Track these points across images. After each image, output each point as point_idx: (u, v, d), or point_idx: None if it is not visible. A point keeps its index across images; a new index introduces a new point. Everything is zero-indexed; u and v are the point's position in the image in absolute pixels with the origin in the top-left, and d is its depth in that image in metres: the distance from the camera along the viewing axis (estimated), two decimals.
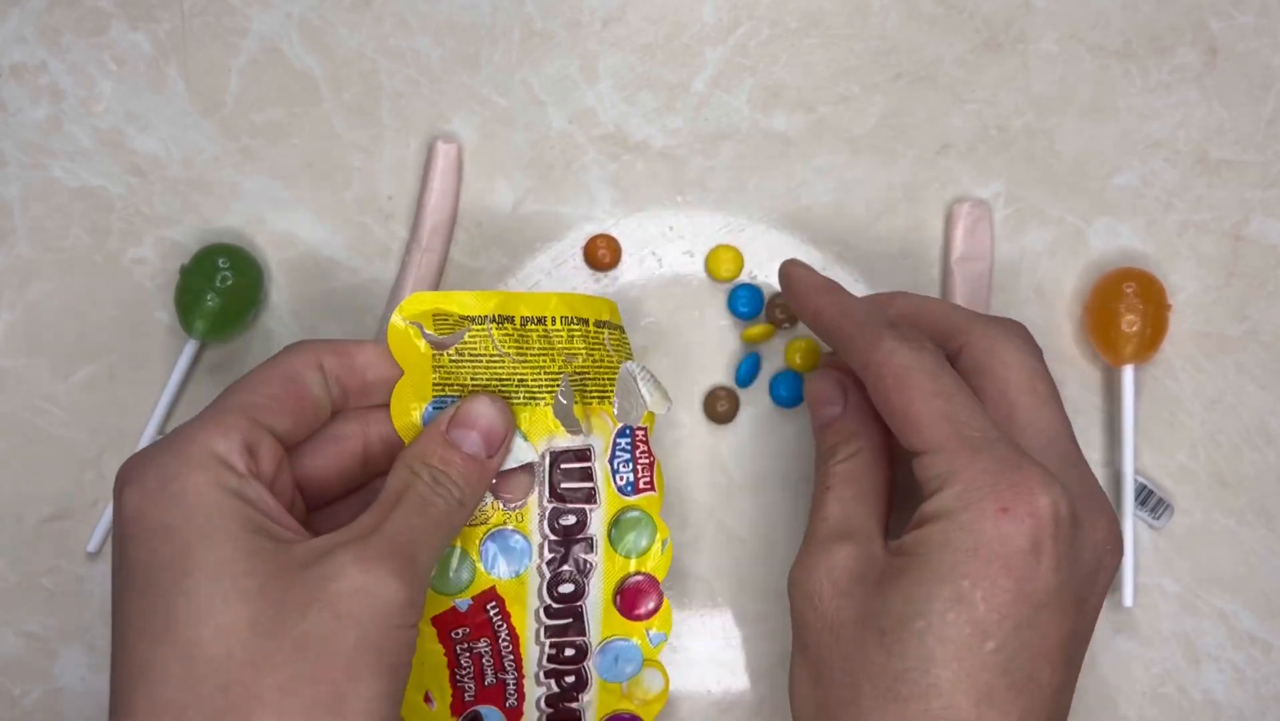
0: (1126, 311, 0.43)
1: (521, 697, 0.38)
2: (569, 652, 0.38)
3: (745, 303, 0.44)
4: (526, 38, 0.46)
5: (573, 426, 0.37)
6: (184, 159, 0.45)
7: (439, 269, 0.44)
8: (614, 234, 0.45)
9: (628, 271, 0.45)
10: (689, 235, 0.45)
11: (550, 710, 0.38)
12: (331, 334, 0.45)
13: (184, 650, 0.29)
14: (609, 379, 0.38)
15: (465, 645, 0.38)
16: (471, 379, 0.36)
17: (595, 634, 0.38)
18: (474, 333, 0.36)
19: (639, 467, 0.38)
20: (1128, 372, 0.44)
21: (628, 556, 0.38)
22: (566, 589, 0.38)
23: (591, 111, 0.45)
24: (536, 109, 0.45)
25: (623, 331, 0.40)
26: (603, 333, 0.39)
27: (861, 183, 0.46)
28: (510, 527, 0.37)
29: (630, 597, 0.38)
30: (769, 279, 0.45)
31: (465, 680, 0.38)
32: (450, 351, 0.36)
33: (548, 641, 0.38)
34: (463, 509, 0.34)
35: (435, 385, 0.36)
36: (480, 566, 0.37)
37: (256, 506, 0.31)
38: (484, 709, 0.38)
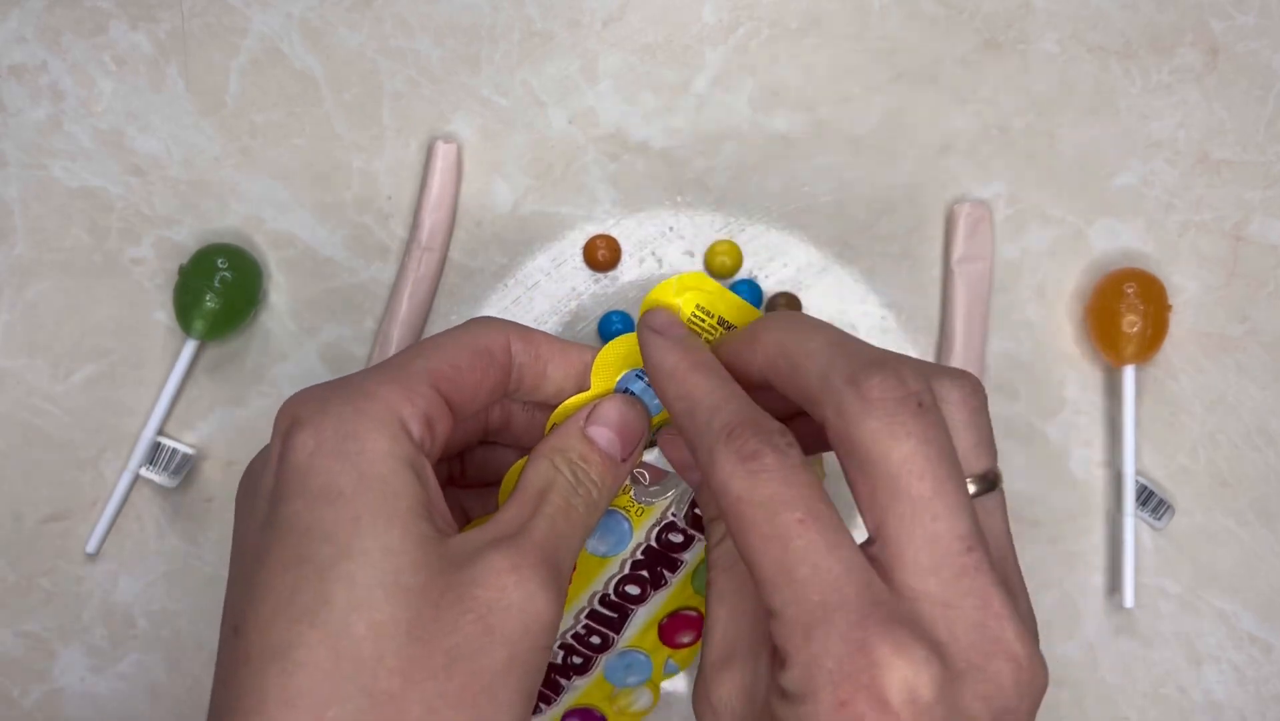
0: (1127, 312, 0.43)
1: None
2: (594, 640, 0.37)
3: (746, 292, 0.44)
4: (526, 38, 0.45)
5: None
6: (184, 159, 0.45)
7: (439, 269, 0.44)
8: (614, 234, 0.45)
9: (627, 271, 0.45)
10: (689, 235, 0.45)
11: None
12: (331, 334, 0.45)
13: (333, 641, 0.26)
14: None
15: None
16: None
17: (626, 637, 0.37)
18: (706, 323, 0.35)
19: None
20: (1128, 373, 0.44)
21: (698, 591, 0.37)
22: (633, 590, 0.36)
23: (591, 111, 0.45)
24: (536, 109, 0.45)
25: None
26: None
27: (861, 182, 0.45)
28: (624, 514, 0.35)
29: (677, 625, 0.37)
30: (768, 277, 0.45)
31: None
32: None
33: (584, 621, 0.37)
34: (596, 511, 0.32)
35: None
36: (594, 526, 0.35)
37: (426, 487, 0.28)
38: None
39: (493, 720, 0.27)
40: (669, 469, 0.35)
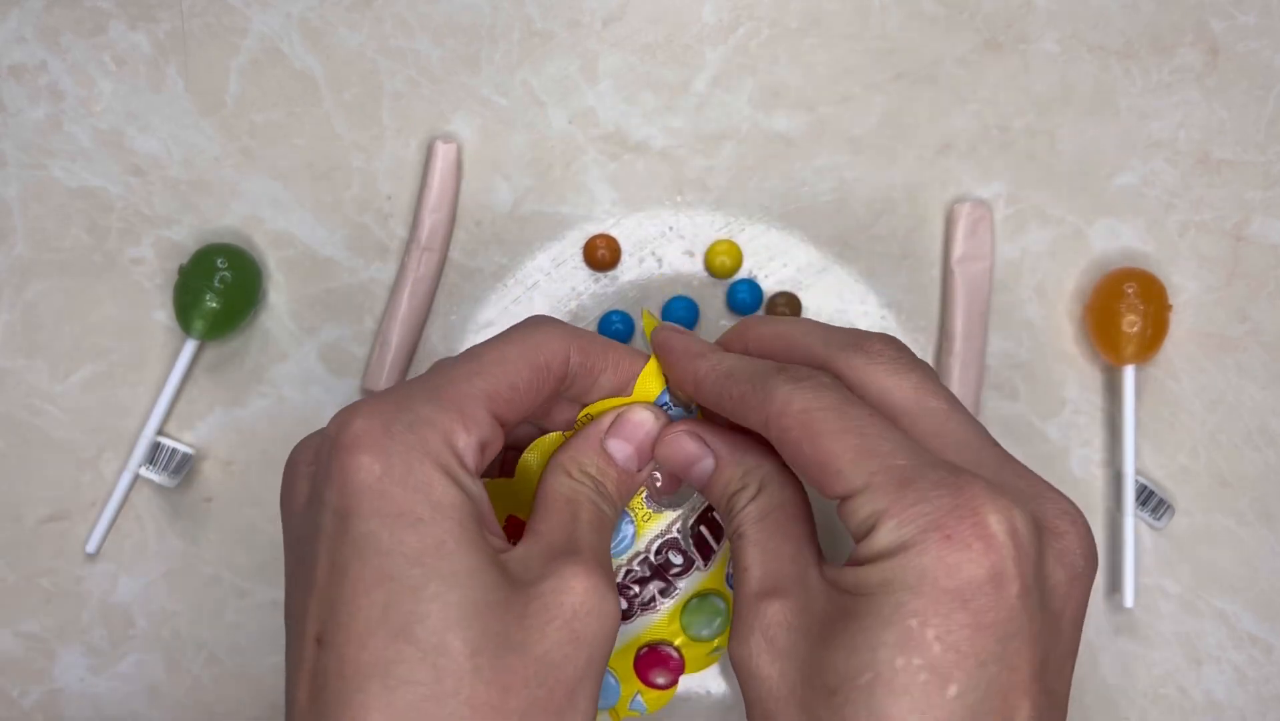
0: (1127, 311, 0.43)
1: None
2: None
3: (745, 293, 0.44)
4: (526, 38, 0.45)
5: None
6: (184, 159, 0.45)
7: (438, 269, 0.44)
8: (614, 234, 0.45)
9: (627, 271, 0.45)
10: (689, 235, 0.45)
11: None
12: (331, 334, 0.45)
13: (433, 658, 0.27)
14: None
15: None
16: None
17: None
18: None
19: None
20: (1129, 373, 0.44)
21: (684, 630, 0.37)
22: (620, 605, 0.36)
23: (591, 111, 0.45)
24: (536, 109, 0.45)
25: None
26: None
27: (861, 182, 0.45)
28: (631, 515, 0.36)
29: (654, 660, 0.37)
30: (768, 277, 0.45)
31: None
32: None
33: None
34: (617, 519, 0.34)
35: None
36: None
37: (481, 506, 0.30)
38: None
39: (572, 718, 0.29)
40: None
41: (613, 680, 0.37)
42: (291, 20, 0.45)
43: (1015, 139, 0.46)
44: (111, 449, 0.44)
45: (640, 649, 0.37)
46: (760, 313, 0.45)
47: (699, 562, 0.36)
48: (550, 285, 0.45)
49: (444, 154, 0.44)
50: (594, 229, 0.45)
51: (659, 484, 0.35)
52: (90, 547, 0.44)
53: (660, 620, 0.36)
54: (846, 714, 0.27)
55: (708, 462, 0.33)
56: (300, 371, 0.45)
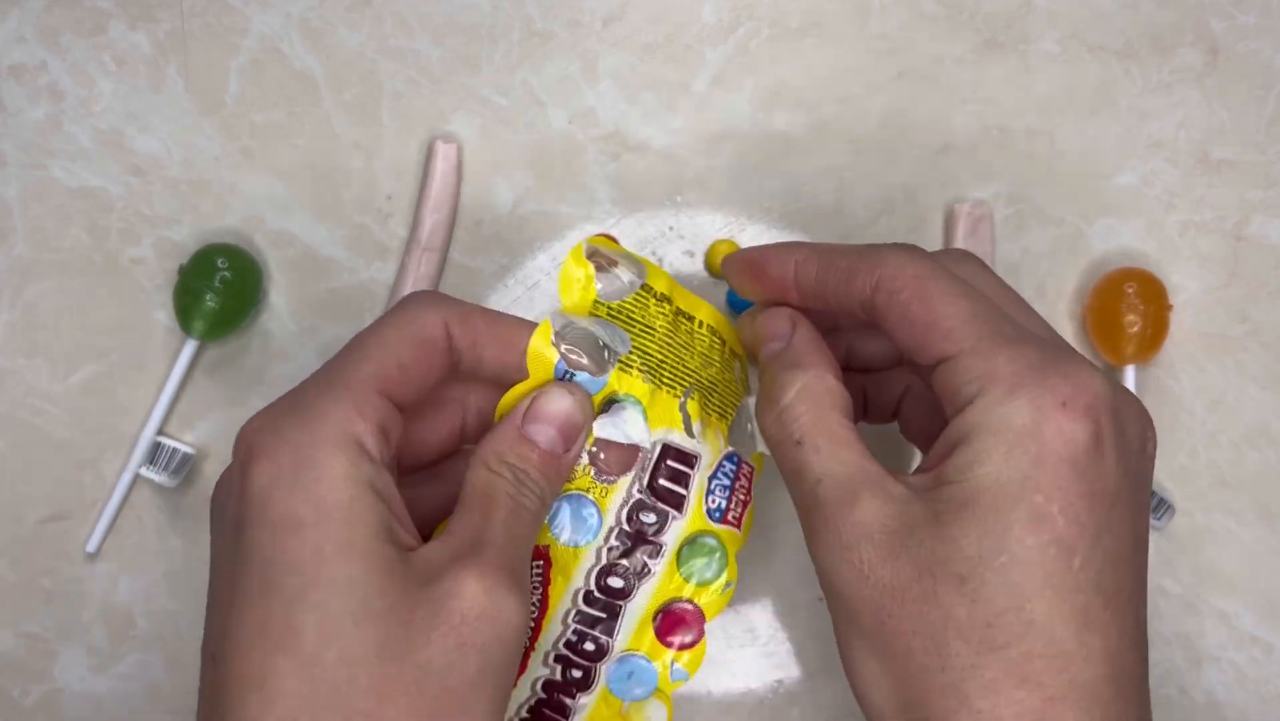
0: (1127, 311, 0.43)
1: (522, 670, 0.36)
2: (588, 646, 0.36)
3: None
4: (526, 38, 0.45)
5: (689, 427, 0.35)
6: (184, 159, 0.45)
7: (439, 269, 0.44)
8: (614, 234, 0.45)
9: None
10: (689, 235, 0.45)
11: (544, 696, 0.36)
12: (332, 335, 0.45)
13: (308, 670, 0.27)
14: (731, 403, 0.37)
15: None
16: (622, 341, 0.35)
17: (622, 640, 0.36)
18: (638, 296, 0.35)
19: (734, 501, 0.36)
20: (1129, 373, 0.44)
21: (687, 580, 0.36)
22: (616, 583, 0.36)
23: (591, 111, 0.45)
24: (536, 109, 0.45)
25: (745, 368, 0.39)
26: (735, 360, 0.38)
27: (862, 183, 0.45)
28: (590, 497, 0.35)
29: (671, 621, 0.36)
30: None
31: None
32: (614, 303, 0.35)
33: (574, 625, 0.36)
34: (544, 508, 0.32)
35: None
36: (544, 520, 0.35)
37: (388, 503, 0.29)
38: None
39: None
40: (627, 440, 0.35)
41: (645, 662, 0.36)
42: (291, 20, 0.45)
43: (1015, 139, 0.46)
44: (112, 449, 0.44)
45: (655, 616, 0.36)
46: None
47: (673, 513, 0.36)
48: (550, 285, 0.45)
49: (444, 154, 0.44)
50: (594, 229, 0.45)
51: (601, 456, 0.35)
52: (91, 547, 0.44)
53: (660, 581, 0.36)
54: (983, 595, 0.27)
55: (781, 343, 0.34)
56: (300, 371, 0.45)
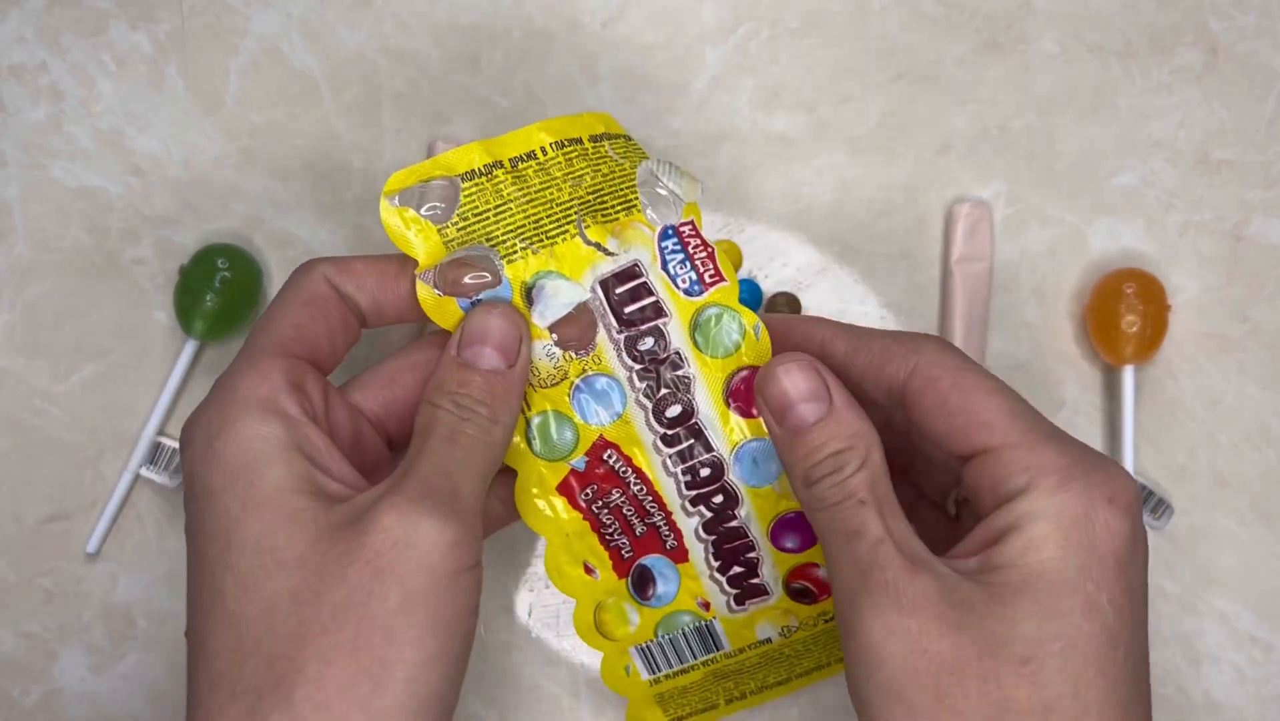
0: (1127, 312, 0.43)
1: (679, 534, 0.36)
2: (705, 473, 0.35)
3: (745, 293, 0.44)
4: (526, 38, 0.45)
5: (605, 250, 0.34)
6: (184, 159, 0.45)
7: None
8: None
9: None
10: None
11: (712, 536, 0.36)
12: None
13: (232, 626, 0.29)
14: (628, 188, 0.35)
15: (600, 503, 0.35)
16: (486, 239, 0.34)
17: (723, 445, 0.35)
18: (468, 191, 0.34)
19: (698, 264, 0.35)
20: (1128, 373, 0.44)
21: (724, 356, 0.34)
22: (674, 411, 0.35)
23: (592, 112, 0.45)
24: (536, 109, 0.45)
25: (628, 138, 0.37)
26: (602, 145, 0.36)
27: (861, 183, 0.45)
28: (592, 373, 0.34)
29: (743, 396, 0.35)
30: (768, 277, 0.45)
31: (616, 537, 0.36)
32: (454, 219, 0.34)
33: (679, 470, 0.35)
34: (497, 425, 0.32)
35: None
36: (579, 420, 0.35)
37: (307, 454, 0.30)
38: (647, 560, 0.36)
39: (397, 657, 0.28)
40: (569, 308, 0.34)
41: (760, 444, 0.35)
42: (291, 20, 0.45)
43: (1015, 139, 0.46)
44: (112, 449, 0.44)
45: (726, 403, 0.35)
46: (760, 312, 0.45)
47: (660, 321, 0.35)
48: None
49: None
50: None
51: (566, 339, 0.34)
52: (91, 547, 0.44)
53: (704, 377, 0.34)
54: (1043, 678, 0.27)
55: (819, 406, 0.31)
56: None
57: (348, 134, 0.45)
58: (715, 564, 0.36)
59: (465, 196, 0.34)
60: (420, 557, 0.29)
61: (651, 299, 0.34)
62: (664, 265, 0.35)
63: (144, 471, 0.44)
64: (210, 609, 0.29)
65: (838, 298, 0.45)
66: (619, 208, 0.35)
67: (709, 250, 0.35)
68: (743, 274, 0.45)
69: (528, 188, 0.35)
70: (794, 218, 0.45)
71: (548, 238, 0.34)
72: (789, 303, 0.45)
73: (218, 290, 0.43)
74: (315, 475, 0.30)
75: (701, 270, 0.35)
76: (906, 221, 0.45)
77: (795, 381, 0.32)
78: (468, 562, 0.30)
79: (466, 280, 0.33)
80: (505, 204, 0.34)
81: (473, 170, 0.34)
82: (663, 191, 0.36)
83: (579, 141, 0.35)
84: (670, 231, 0.35)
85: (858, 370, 0.33)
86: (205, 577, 0.30)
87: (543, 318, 0.34)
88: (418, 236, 0.34)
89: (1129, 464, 0.44)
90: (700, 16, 0.46)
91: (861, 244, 0.45)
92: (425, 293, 0.33)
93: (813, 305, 0.45)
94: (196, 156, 0.45)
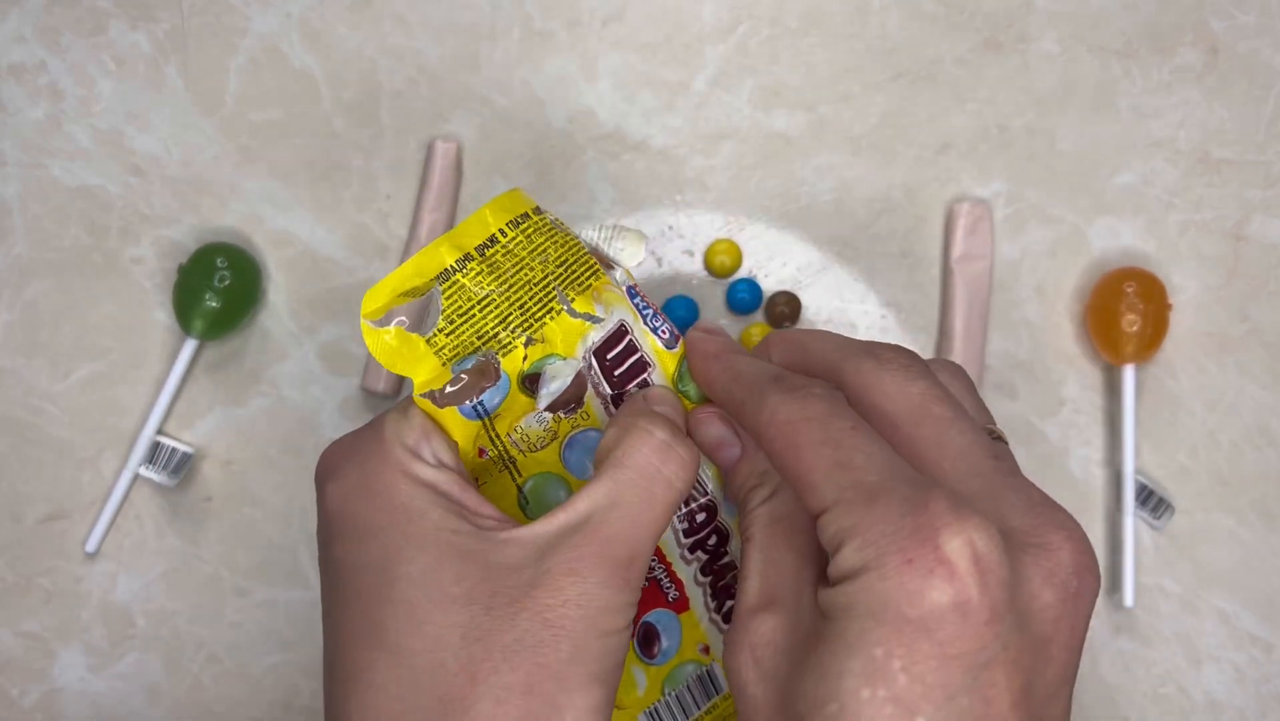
0: (1127, 311, 0.43)
1: (679, 584, 0.36)
2: (701, 518, 0.35)
3: (745, 292, 0.44)
4: (526, 37, 0.45)
5: (592, 318, 0.34)
6: (183, 159, 0.45)
7: None
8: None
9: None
10: (688, 234, 0.45)
11: (709, 577, 0.36)
12: (330, 334, 0.45)
13: (397, 659, 0.28)
14: (585, 254, 0.36)
15: None
16: (477, 336, 0.34)
17: (714, 488, 0.35)
18: (448, 292, 0.34)
19: (662, 317, 0.36)
20: (1128, 372, 0.44)
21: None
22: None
23: (591, 111, 0.45)
24: (536, 109, 0.45)
25: (546, 212, 0.37)
26: (545, 216, 0.36)
27: (861, 182, 0.45)
28: (580, 429, 0.35)
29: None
30: (768, 276, 0.45)
31: None
32: (440, 323, 0.34)
33: (676, 518, 0.35)
34: (671, 490, 0.31)
35: (446, 364, 0.33)
36: (572, 477, 0.35)
37: (454, 499, 0.30)
38: (651, 616, 0.36)
39: (568, 704, 0.28)
40: (571, 379, 0.34)
41: (706, 472, 0.35)
42: (291, 20, 0.45)
43: (1015, 138, 0.46)
44: (111, 448, 0.44)
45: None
46: (759, 313, 0.45)
47: (647, 374, 0.35)
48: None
49: (443, 153, 0.44)
50: (592, 229, 0.45)
51: (559, 404, 0.34)
52: (90, 547, 0.44)
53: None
54: None
55: (733, 450, 0.34)
56: (300, 371, 0.45)
57: (347, 133, 0.45)
58: (713, 605, 0.36)
59: (446, 300, 0.34)
60: (591, 618, 0.29)
61: (637, 355, 0.35)
62: (643, 321, 0.35)
63: (143, 471, 0.43)
64: (371, 642, 0.29)
65: (838, 297, 0.45)
66: (587, 274, 0.35)
67: (656, 306, 0.37)
68: (742, 273, 0.45)
69: (503, 274, 0.34)
70: (794, 217, 0.45)
71: (535, 320, 0.34)
72: (788, 302, 0.45)
73: (217, 289, 0.43)
74: (467, 514, 0.30)
75: (667, 323, 0.36)
76: (906, 220, 0.45)
77: (708, 432, 0.34)
78: (627, 621, 0.30)
79: (471, 385, 0.34)
80: (487, 296, 0.34)
81: (447, 269, 0.34)
82: (607, 252, 0.37)
83: (527, 216, 0.35)
84: (633, 291, 0.36)
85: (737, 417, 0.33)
86: (364, 611, 0.29)
87: (548, 399, 0.34)
88: (409, 354, 0.33)
89: (1129, 463, 0.44)
90: (700, 16, 0.46)
91: (862, 243, 0.45)
92: (429, 408, 0.33)
93: (812, 304, 0.45)
94: (196, 156, 0.45)
